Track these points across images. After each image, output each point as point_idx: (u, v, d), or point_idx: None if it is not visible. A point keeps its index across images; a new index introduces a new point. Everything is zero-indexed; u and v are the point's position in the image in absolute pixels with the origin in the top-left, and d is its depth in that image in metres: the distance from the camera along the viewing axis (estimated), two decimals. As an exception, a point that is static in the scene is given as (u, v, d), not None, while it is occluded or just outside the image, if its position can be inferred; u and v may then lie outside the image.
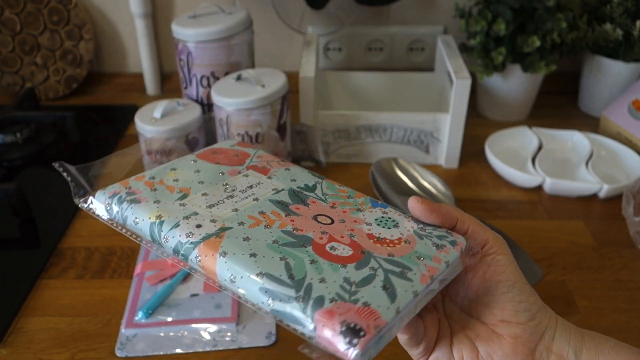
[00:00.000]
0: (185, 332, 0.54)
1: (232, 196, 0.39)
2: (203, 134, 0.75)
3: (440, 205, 0.38)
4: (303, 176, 0.42)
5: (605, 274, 0.62)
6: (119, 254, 0.64)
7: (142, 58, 1.01)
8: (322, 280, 0.32)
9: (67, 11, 0.98)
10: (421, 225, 0.38)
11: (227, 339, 0.54)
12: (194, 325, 0.55)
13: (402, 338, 0.37)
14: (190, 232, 0.35)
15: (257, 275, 0.32)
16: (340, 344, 0.29)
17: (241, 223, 0.36)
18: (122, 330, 0.54)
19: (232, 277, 0.33)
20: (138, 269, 0.61)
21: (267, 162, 0.44)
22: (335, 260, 0.34)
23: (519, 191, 0.75)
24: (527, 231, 0.68)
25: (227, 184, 0.41)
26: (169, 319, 0.55)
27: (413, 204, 0.38)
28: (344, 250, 0.35)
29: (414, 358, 0.39)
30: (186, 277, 0.60)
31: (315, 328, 0.30)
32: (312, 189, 0.41)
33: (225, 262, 0.33)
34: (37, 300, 0.58)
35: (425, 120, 0.78)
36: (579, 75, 0.96)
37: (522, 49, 0.82)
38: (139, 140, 0.73)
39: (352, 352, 0.28)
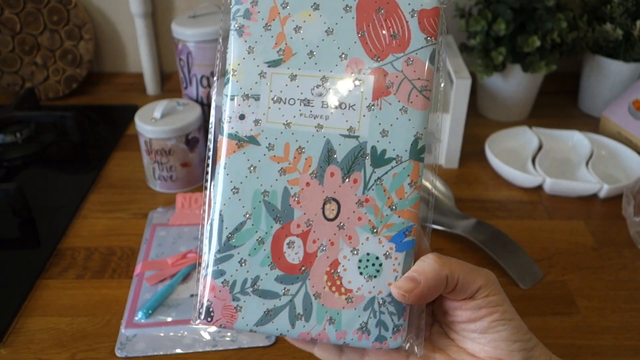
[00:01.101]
0: (185, 332, 0.54)
1: (308, 102, 0.33)
2: (203, 134, 0.75)
3: (426, 282, 0.32)
4: (400, 137, 0.33)
5: (606, 274, 0.62)
6: (118, 254, 0.64)
7: (142, 58, 1.01)
8: (241, 262, 0.33)
9: (67, 11, 0.98)
10: (388, 300, 0.33)
11: (227, 339, 0.54)
12: (194, 326, 0.54)
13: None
14: (230, 117, 0.34)
15: (219, 212, 0.34)
16: (197, 307, 0.34)
17: (270, 147, 0.33)
18: (122, 330, 0.54)
19: (212, 195, 0.34)
20: (138, 269, 0.61)
21: (402, 79, 0.34)
22: (275, 255, 0.33)
23: (519, 191, 0.75)
24: (527, 231, 0.68)
25: (325, 79, 0.33)
26: (169, 319, 0.55)
27: (394, 293, 0.33)
28: (295, 256, 0.33)
29: None
30: (186, 277, 0.60)
31: (203, 278, 0.34)
32: (383, 162, 0.33)
33: (219, 173, 0.34)
34: (37, 300, 0.58)
35: (425, 120, 0.78)
36: (579, 75, 0.96)
37: (522, 49, 0.82)
38: (139, 141, 0.73)
39: (195, 319, 0.34)
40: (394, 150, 0.33)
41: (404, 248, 0.33)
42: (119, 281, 0.61)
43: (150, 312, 0.55)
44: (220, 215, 0.34)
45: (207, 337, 0.54)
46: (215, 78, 0.36)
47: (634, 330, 0.55)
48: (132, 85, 1.05)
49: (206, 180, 0.36)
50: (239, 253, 0.33)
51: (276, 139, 0.33)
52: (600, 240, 0.67)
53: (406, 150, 0.33)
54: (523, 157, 0.79)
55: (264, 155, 0.33)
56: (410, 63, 0.33)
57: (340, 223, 0.33)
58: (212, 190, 0.34)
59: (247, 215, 0.33)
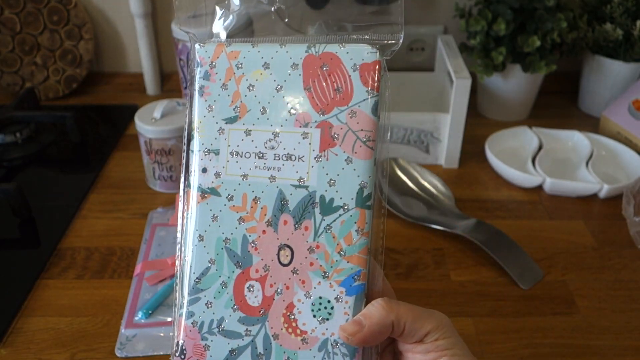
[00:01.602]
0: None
1: (262, 155, 0.36)
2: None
3: (371, 326, 0.33)
4: (346, 186, 0.35)
5: (605, 274, 0.62)
6: (118, 254, 0.64)
7: (142, 58, 1.01)
8: (208, 304, 0.36)
9: (67, 11, 0.98)
10: (341, 341, 0.35)
11: (227, 339, 0.54)
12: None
13: None
14: (194, 171, 0.37)
15: (188, 260, 0.37)
16: (175, 344, 0.37)
17: (230, 197, 0.36)
18: (122, 330, 0.54)
19: (183, 242, 0.38)
20: (138, 269, 0.61)
21: (347, 131, 0.35)
22: (237, 298, 0.36)
23: (519, 191, 0.75)
24: (527, 231, 0.68)
25: (276, 135, 0.36)
26: (169, 319, 0.55)
27: (340, 335, 0.34)
28: (254, 299, 0.36)
29: None
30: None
31: (179, 317, 0.37)
32: (331, 210, 0.35)
33: (186, 223, 0.37)
34: (37, 300, 0.58)
35: (425, 120, 0.78)
36: (579, 75, 0.96)
37: (522, 49, 0.82)
38: (139, 141, 0.73)
39: (173, 355, 0.36)
40: (340, 198, 0.35)
41: (353, 292, 0.35)
42: (119, 281, 0.61)
43: (150, 312, 0.55)
44: (189, 262, 0.37)
45: (207, 337, 0.54)
46: (185, 134, 0.39)
47: (634, 330, 0.55)
48: (132, 85, 1.05)
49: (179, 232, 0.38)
50: (205, 296, 0.36)
51: (235, 190, 0.36)
52: (600, 240, 0.67)
53: (352, 199, 0.35)
54: (523, 157, 0.79)
55: (225, 205, 0.36)
56: (354, 115, 0.35)
57: (294, 268, 0.35)
58: (182, 238, 0.38)
59: (211, 261, 0.36)
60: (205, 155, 0.37)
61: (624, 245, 0.66)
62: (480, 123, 0.91)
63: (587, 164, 0.77)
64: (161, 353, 0.52)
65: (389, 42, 0.36)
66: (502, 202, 0.73)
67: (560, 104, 0.99)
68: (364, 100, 0.35)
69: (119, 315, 0.56)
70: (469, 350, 0.36)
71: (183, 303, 0.37)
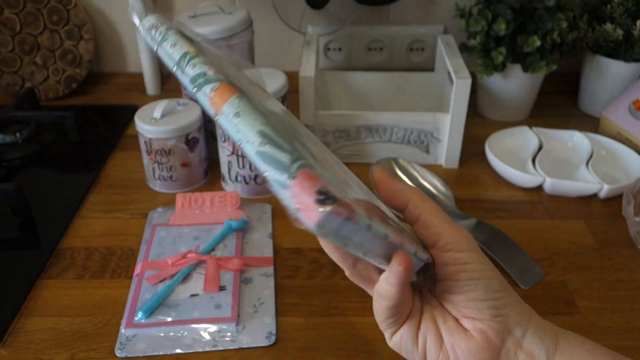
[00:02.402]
0: (185, 332, 0.54)
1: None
2: (203, 134, 0.75)
3: (395, 183, 0.36)
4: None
5: (606, 274, 0.62)
6: (118, 254, 0.64)
7: (142, 58, 1.01)
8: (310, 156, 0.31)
9: (67, 11, 0.98)
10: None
11: (227, 339, 0.54)
12: (193, 326, 0.54)
13: (380, 306, 0.36)
14: (217, 72, 0.35)
15: (263, 119, 0.31)
16: (310, 203, 0.28)
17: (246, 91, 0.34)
18: (122, 330, 0.54)
19: (237, 112, 0.32)
20: (138, 269, 0.61)
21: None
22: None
23: (519, 191, 0.75)
24: (527, 231, 0.68)
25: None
26: (169, 319, 0.55)
27: (374, 171, 0.36)
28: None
29: (381, 328, 0.38)
30: (186, 277, 0.60)
31: (293, 179, 0.28)
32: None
33: (240, 99, 0.33)
34: (37, 300, 0.58)
35: (425, 120, 0.78)
36: (579, 75, 0.96)
37: (522, 49, 0.82)
38: (139, 141, 0.73)
39: (322, 211, 0.27)
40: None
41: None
42: (118, 281, 0.61)
43: (150, 312, 0.55)
44: (267, 125, 0.31)
45: (207, 337, 0.54)
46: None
47: (634, 330, 0.55)
48: (132, 85, 1.05)
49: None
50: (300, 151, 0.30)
51: (242, 84, 0.36)
52: (600, 240, 0.67)
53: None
54: (523, 157, 0.79)
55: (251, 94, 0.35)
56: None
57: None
58: (228, 122, 0.33)
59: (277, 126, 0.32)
60: (211, 67, 0.36)
61: (624, 245, 0.66)
62: (480, 123, 0.91)
63: (587, 164, 0.77)
64: (161, 353, 0.52)
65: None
66: (502, 202, 0.73)
67: (560, 104, 0.99)
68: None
69: (119, 315, 0.56)
70: (492, 265, 0.36)
71: (294, 157, 0.29)
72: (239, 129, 0.31)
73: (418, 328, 0.37)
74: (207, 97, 0.34)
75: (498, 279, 0.35)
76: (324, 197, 0.27)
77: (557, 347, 0.35)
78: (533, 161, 0.77)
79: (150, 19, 0.40)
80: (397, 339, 0.38)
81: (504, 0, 0.82)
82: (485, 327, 0.35)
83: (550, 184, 0.73)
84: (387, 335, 0.38)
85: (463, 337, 0.35)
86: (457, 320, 0.36)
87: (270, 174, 0.29)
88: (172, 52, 0.37)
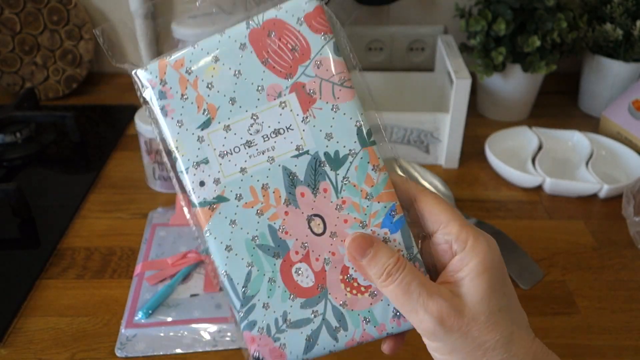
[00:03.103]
0: (185, 332, 0.54)
1: (251, 143, 0.35)
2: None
3: (369, 262, 0.33)
4: (344, 133, 0.34)
5: (605, 274, 0.62)
6: (118, 254, 0.64)
7: (142, 58, 1.01)
8: (265, 306, 0.35)
9: (67, 11, 0.98)
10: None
11: (227, 339, 0.54)
12: (194, 325, 0.54)
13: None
14: (193, 189, 0.36)
15: (223, 272, 0.36)
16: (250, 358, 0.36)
17: (239, 197, 0.35)
18: (122, 330, 0.54)
19: (210, 253, 0.36)
20: (138, 269, 0.61)
21: (320, 82, 0.34)
22: (290, 286, 0.35)
23: (519, 191, 0.75)
24: (527, 231, 0.68)
25: (256, 117, 0.35)
26: (169, 319, 0.55)
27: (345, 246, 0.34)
28: (306, 279, 0.35)
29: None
30: (186, 277, 0.60)
31: (243, 333, 0.36)
32: (340, 162, 0.34)
33: (207, 241, 0.36)
34: (37, 300, 0.58)
35: (425, 120, 0.78)
36: (579, 75, 0.96)
37: (522, 49, 0.82)
38: (139, 141, 0.73)
39: None
40: (344, 147, 0.34)
41: (397, 228, 0.34)
42: (119, 281, 0.61)
43: (150, 312, 0.55)
44: (227, 275, 0.36)
45: (207, 337, 0.54)
46: (167, 162, 0.38)
47: (634, 330, 0.55)
48: (132, 85, 1.05)
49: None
50: (259, 300, 0.35)
51: (240, 187, 0.35)
52: (600, 240, 0.67)
53: (355, 142, 0.34)
54: (523, 157, 0.79)
55: (237, 206, 0.35)
56: (320, 65, 0.34)
57: (331, 232, 0.35)
58: (211, 256, 0.36)
59: (249, 264, 0.35)
60: (196, 168, 0.35)
61: (624, 245, 0.66)
62: (480, 123, 0.91)
63: (587, 164, 0.77)
64: (161, 353, 0.52)
65: None
66: (502, 202, 0.73)
67: (560, 104, 0.99)
68: (323, 46, 0.34)
69: (119, 315, 0.56)
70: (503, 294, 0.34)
71: (240, 316, 0.36)
72: (214, 259, 0.36)
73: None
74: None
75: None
76: None
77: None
78: (533, 161, 0.77)
79: (141, 79, 0.38)
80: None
81: (504, 0, 0.82)
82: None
83: (550, 184, 0.73)
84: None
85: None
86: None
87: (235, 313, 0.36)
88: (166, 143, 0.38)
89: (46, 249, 0.65)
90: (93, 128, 0.92)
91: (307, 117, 0.34)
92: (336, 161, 0.34)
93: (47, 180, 0.79)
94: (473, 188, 0.76)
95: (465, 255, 0.32)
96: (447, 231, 0.33)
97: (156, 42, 1.04)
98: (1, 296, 0.58)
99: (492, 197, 0.74)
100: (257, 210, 0.35)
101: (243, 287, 0.35)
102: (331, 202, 0.34)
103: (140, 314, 0.55)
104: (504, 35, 0.82)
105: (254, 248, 0.35)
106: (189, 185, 0.36)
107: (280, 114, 0.34)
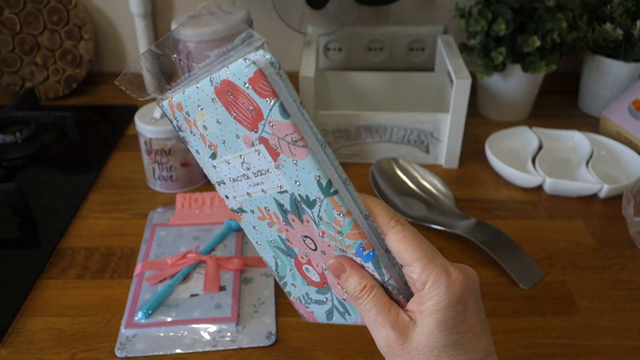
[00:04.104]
0: (185, 332, 0.54)
1: (247, 176, 0.38)
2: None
3: (343, 283, 0.38)
4: (308, 183, 0.36)
5: (606, 274, 0.62)
6: (118, 254, 0.64)
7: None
8: (293, 285, 0.44)
9: (67, 11, 0.98)
10: (388, 286, 0.38)
11: (227, 339, 0.54)
12: (194, 326, 0.54)
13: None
14: (225, 198, 0.41)
15: (262, 257, 0.44)
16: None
17: (252, 211, 0.41)
18: (122, 330, 0.54)
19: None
20: (138, 269, 0.61)
21: (278, 140, 0.36)
22: (305, 278, 0.42)
23: (519, 191, 0.75)
24: (527, 231, 0.68)
25: (243, 158, 0.38)
26: (169, 319, 0.55)
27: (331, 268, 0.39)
28: (314, 276, 0.42)
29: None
30: (186, 277, 0.60)
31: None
32: (311, 204, 0.37)
33: (247, 234, 0.43)
34: (37, 300, 0.58)
35: (425, 120, 0.78)
36: (579, 75, 0.96)
37: (522, 49, 0.82)
38: (139, 141, 0.73)
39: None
40: (311, 193, 0.36)
41: (368, 259, 0.37)
42: (119, 281, 0.61)
43: (150, 312, 0.55)
44: (265, 260, 0.44)
45: (207, 337, 0.54)
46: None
47: (634, 330, 0.55)
48: (132, 85, 1.05)
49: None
50: (287, 281, 0.44)
51: (250, 205, 0.40)
52: (600, 240, 0.67)
53: (318, 191, 0.36)
54: (523, 157, 0.79)
55: (253, 218, 0.41)
56: (273, 126, 0.35)
57: (322, 250, 0.39)
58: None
59: (275, 257, 0.43)
60: (219, 186, 0.41)
61: (624, 245, 0.66)
62: (480, 123, 0.91)
63: (587, 164, 0.77)
64: (161, 353, 0.52)
65: (256, 46, 0.35)
66: (502, 202, 0.73)
67: (560, 104, 0.99)
68: (271, 109, 0.34)
69: (119, 315, 0.56)
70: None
71: (283, 288, 0.45)
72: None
73: None
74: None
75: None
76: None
77: None
78: (533, 161, 0.77)
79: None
80: None
81: (504, 0, 0.82)
82: None
83: (550, 184, 0.73)
84: None
85: None
86: None
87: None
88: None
89: (46, 249, 0.65)
90: (93, 128, 0.92)
91: (278, 165, 0.37)
92: (308, 203, 0.37)
93: (47, 180, 0.79)
94: (473, 188, 0.76)
95: (423, 295, 0.35)
96: (411, 270, 0.36)
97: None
98: (1, 296, 0.58)
99: (492, 197, 0.74)
100: (267, 223, 0.41)
101: (276, 271, 0.44)
102: (314, 230, 0.38)
103: (140, 314, 0.55)
104: (504, 35, 0.82)
105: (274, 247, 0.42)
106: (220, 194, 0.42)
107: (258, 159, 0.37)
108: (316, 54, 0.84)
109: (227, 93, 0.35)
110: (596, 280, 0.61)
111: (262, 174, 0.37)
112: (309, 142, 0.35)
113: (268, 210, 0.39)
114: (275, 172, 0.37)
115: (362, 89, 0.91)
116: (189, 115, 0.38)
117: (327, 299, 0.42)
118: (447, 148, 0.79)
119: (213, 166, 0.39)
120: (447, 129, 0.77)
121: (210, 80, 0.36)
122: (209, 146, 0.38)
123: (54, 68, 1.00)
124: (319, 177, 0.36)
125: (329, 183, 0.36)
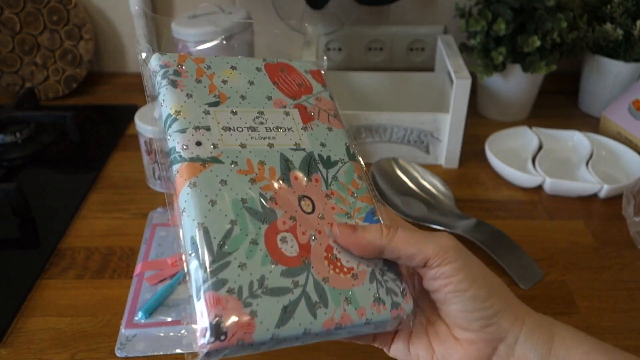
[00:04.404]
0: (185, 332, 0.54)
1: (254, 128, 0.40)
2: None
3: (362, 237, 0.36)
4: (335, 146, 0.42)
5: (606, 274, 0.62)
6: (118, 254, 0.64)
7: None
8: (241, 266, 0.33)
9: (67, 11, 0.98)
10: (385, 268, 0.37)
11: (227, 339, 0.53)
12: (194, 326, 0.54)
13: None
14: (186, 145, 0.38)
15: (198, 224, 0.34)
16: (200, 331, 0.31)
17: (234, 163, 0.37)
18: (122, 330, 0.54)
19: (184, 209, 0.35)
20: (138, 269, 0.61)
21: (319, 110, 0.44)
22: (273, 253, 0.34)
23: (519, 191, 0.75)
24: (527, 231, 0.68)
25: (262, 113, 0.41)
26: (169, 319, 0.55)
27: (333, 231, 0.37)
28: (291, 249, 0.35)
29: (375, 345, 0.40)
30: (186, 277, 0.60)
31: (199, 301, 0.32)
32: (331, 164, 0.40)
33: (188, 193, 0.36)
34: (37, 300, 0.58)
35: (425, 120, 0.78)
36: (579, 75, 0.96)
37: (522, 49, 0.82)
38: (139, 141, 0.73)
39: (202, 346, 0.31)
40: (335, 155, 0.41)
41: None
42: (119, 281, 0.61)
43: (150, 312, 0.55)
44: (203, 227, 0.34)
45: (207, 337, 0.54)
46: (163, 125, 0.40)
47: (634, 330, 0.55)
48: (132, 85, 1.05)
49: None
50: (235, 258, 0.33)
51: (236, 156, 0.38)
52: (600, 240, 0.67)
53: (344, 154, 0.42)
54: (523, 157, 0.79)
55: (231, 170, 0.37)
56: (319, 100, 0.44)
57: (320, 214, 0.38)
58: (179, 215, 0.35)
59: (233, 222, 0.35)
60: (196, 131, 0.38)
61: (624, 245, 0.66)
62: (480, 123, 0.91)
63: (587, 164, 0.77)
64: (161, 353, 0.52)
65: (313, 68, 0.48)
66: (502, 202, 0.73)
67: (560, 104, 0.99)
68: (322, 91, 0.45)
69: (119, 315, 0.56)
70: (482, 270, 0.36)
71: (207, 274, 0.32)
72: (183, 226, 0.35)
73: (409, 341, 0.38)
74: (175, 177, 0.37)
75: (486, 287, 0.35)
76: (214, 330, 0.31)
77: (551, 351, 0.35)
78: (533, 161, 0.77)
79: (157, 60, 0.43)
80: (393, 352, 0.39)
81: (504, 0, 0.82)
82: (476, 338, 0.35)
83: (550, 184, 0.73)
84: (385, 349, 0.40)
85: (453, 347, 0.36)
86: (449, 329, 0.37)
87: (192, 283, 0.33)
88: (161, 110, 0.40)
89: (46, 249, 0.65)
90: (93, 128, 0.92)
91: (307, 127, 0.42)
92: (328, 163, 0.40)
93: (47, 180, 0.79)
94: (473, 188, 0.76)
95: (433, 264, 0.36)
96: (423, 259, 0.36)
97: (156, 42, 1.04)
98: (1, 296, 0.58)
99: (492, 197, 0.74)
100: (251, 178, 0.37)
101: (220, 242, 0.33)
102: (321, 190, 0.39)
103: (140, 314, 0.55)
104: (504, 35, 0.82)
105: (241, 208, 0.35)
106: (181, 142, 0.38)
107: (284, 118, 0.42)
108: (316, 54, 0.85)
109: (279, 69, 0.44)
110: (596, 280, 0.61)
111: (279, 130, 0.40)
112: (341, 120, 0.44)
113: (263, 164, 0.38)
114: (298, 132, 0.41)
115: (362, 89, 0.91)
116: (208, 68, 0.42)
117: (296, 283, 0.34)
118: (447, 148, 0.79)
119: (205, 111, 0.39)
120: (447, 129, 0.77)
121: (264, 59, 0.45)
122: (215, 95, 0.41)
123: (54, 68, 1.00)
124: (349, 144, 0.43)
125: (355, 152, 0.43)
